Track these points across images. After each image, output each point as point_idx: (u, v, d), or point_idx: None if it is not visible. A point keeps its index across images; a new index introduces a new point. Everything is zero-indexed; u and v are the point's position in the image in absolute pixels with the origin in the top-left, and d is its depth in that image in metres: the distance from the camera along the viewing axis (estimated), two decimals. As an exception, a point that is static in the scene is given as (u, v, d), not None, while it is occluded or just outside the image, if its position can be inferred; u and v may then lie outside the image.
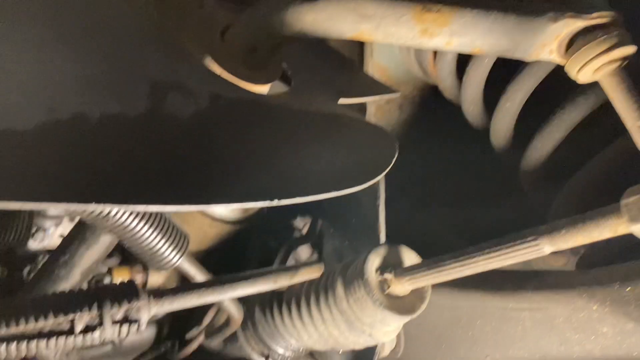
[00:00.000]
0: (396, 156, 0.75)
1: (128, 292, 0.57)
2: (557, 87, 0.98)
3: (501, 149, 1.06)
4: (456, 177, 1.36)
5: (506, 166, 1.13)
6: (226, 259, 1.34)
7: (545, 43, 0.73)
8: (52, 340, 0.53)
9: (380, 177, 0.71)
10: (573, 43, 0.74)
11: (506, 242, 0.72)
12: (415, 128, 1.37)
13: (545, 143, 0.96)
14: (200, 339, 1.28)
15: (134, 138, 0.59)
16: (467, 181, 1.34)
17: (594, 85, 0.82)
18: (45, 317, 0.53)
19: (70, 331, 0.54)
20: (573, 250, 1.17)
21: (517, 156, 1.04)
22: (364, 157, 0.73)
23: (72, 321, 0.54)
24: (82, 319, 0.54)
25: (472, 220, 1.22)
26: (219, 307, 1.22)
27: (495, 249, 0.73)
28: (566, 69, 0.76)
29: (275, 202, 0.63)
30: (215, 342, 1.22)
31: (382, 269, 0.89)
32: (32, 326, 0.52)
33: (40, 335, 0.53)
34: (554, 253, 1.31)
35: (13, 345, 0.52)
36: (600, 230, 0.65)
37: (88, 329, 0.55)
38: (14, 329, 0.52)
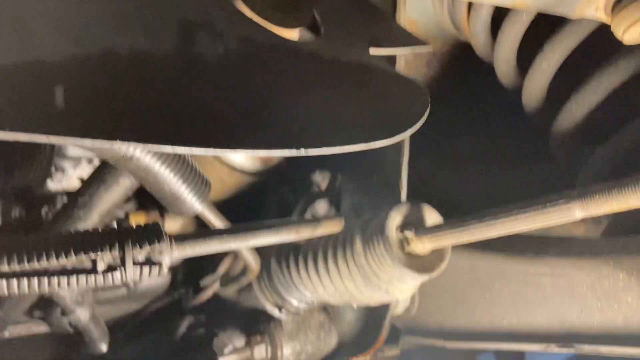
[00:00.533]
0: (428, 111, 0.72)
1: (151, 234, 0.56)
2: (596, 48, 0.94)
3: (532, 110, 1.03)
4: (482, 137, 1.32)
5: (536, 128, 1.10)
6: (243, 210, 1.33)
7: (592, -1, 0.69)
8: (74, 278, 0.53)
9: (412, 132, 0.69)
10: (621, 0, 0.70)
11: (535, 205, 0.70)
12: (443, 85, 1.33)
13: (580, 105, 0.92)
14: (215, 287, 1.29)
15: (162, 76, 0.57)
16: (494, 142, 1.30)
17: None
18: (68, 254, 0.52)
19: (92, 270, 0.53)
20: (595, 219, 1.15)
21: (549, 118, 1.01)
22: (395, 110, 0.71)
23: (94, 260, 0.53)
24: (104, 259, 0.54)
25: (496, 182, 1.20)
26: (235, 256, 1.23)
27: (523, 211, 0.71)
28: (612, 28, 0.72)
29: (303, 152, 0.61)
30: (230, 291, 1.23)
31: (403, 226, 0.88)
32: (55, 262, 0.51)
33: (63, 272, 0.53)
34: (576, 221, 1.29)
35: (35, 281, 0.52)
36: (637, 197, 0.63)
37: (110, 269, 0.54)
38: (37, 265, 0.51)
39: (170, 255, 0.57)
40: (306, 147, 0.61)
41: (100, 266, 0.54)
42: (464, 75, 1.32)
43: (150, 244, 0.56)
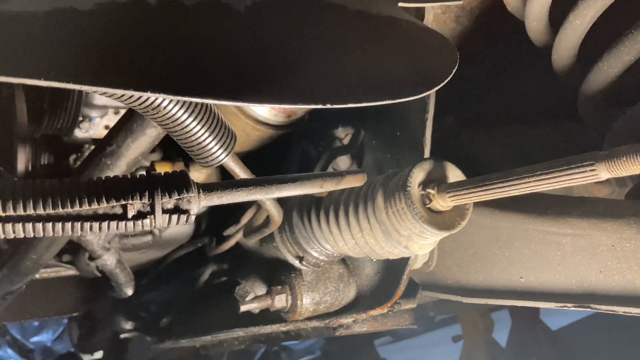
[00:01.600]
0: (456, 67, 0.72)
1: (180, 183, 0.57)
2: (632, 6, 0.91)
3: (562, 69, 1.00)
4: (509, 97, 1.30)
5: (564, 88, 1.07)
6: (265, 163, 1.34)
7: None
8: (105, 223, 0.55)
9: (438, 88, 0.68)
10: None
11: (560, 165, 0.70)
12: (471, 42, 1.30)
13: (612, 65, 0.90)
14: (238, 236, 1.32)
15: (190, 25, 0.57)
16: (521, 102, 1.28)
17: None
18: (100, 200, 0.54)
19: (123, 216, 0.55)
20: (619, 181, 1.14)
21: (579, 78, 0.99)
22: (422, 65, 0.70)
23: (125, 206, 0.55)
24: (134, 206, 0.55)
25: (521, 142, 1.19)
26: (257, 207, 1.25)
27: (548, 170, 0.71)
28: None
29: (328, 106, 0.61)
30: (252, 241, 1.26)
31: (425, 183, 0.89)
32: (87, 207, 0.53)
33: (95, 217, 0.54)
34: (599, 183, 1.28)
35: (69, 225, 0.54)
36: (665, 159, 0.62)
37: (139, 216, 0.56)
38: (70, 209, 0.53)
39: (198, 204, 0.59)
40: (331, 101, 0.61)
41: (131, 212, 0.56)
42: (493, 32, 1.29)
43: (179, 193, 0.58)
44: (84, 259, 1.45)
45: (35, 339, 3.28)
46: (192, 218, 0.59)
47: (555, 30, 1.02)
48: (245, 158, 1.35)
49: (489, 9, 1.30)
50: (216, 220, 1.51)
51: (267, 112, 1.24)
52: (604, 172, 0.67)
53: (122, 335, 1.87)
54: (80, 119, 1.26)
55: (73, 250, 1.50)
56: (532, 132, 1.21)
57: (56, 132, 1.26)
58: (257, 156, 1.35)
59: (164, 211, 0.57)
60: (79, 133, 1.28)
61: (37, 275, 1.69)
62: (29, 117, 1.30)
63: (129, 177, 0.58)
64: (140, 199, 0.56)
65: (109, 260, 1.38)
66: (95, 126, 1.28)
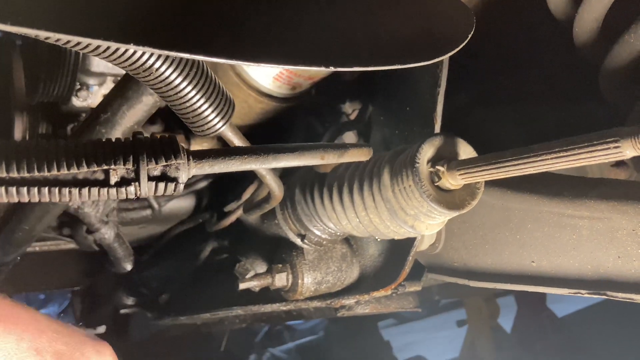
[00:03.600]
0: (472, 32, 0.66)
1: (168, 148, 0.53)
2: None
3: (584, 43, 0.94)
4: (525, 72, 1.25)
5: (584, 65, 1.02)
6: (268, 137, 1.30)
7: None
8: (85, 190, 0.51)
9: (452, 54, 0.63)
10: None
11: (581, 141, 0.65)
12: (487, 15, 1.24)
13: (638, 38, 0.84)
14: (239, 212, 1.28)
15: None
16: (537, 80, 1.23)
17: None
18: (80, 164, 0.50)
19: (105, 182, 0.51)
20: (637, 165, 1.09)
21: (602, 53, 0.93)
22: (435, 29, 0.65)
23: (107, 172, 0.51)
24: (117, 171, 0.51)
25: (536, 120, 1.13)
26: (259, 183, 1.20)
27: (567, 147, 0.66)
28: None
29: (331, 68, 0.56)
30: (253, 217, 1.22)
31: (434, 159, 0.84)
32: (65, 172, 0.49)
33: (74, 182, 0.50)
34: (616, 166, 1.22)
35: (45, 190, 0.49)
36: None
37: (123, 182, 0.51)
38: (47, 173, 0.49)
39: (188, 171, 0.55)
40: (335, 63, 0.56)
41: (114, 179, 0.51)
42: (511, 7, 1.23)
43: (166, 159, 0.53)
44: (82, 232, 1.42)
45: (41, 311, 3.30)
46: (181, 187, 0.54)
47: (577, 2, 0.96)
48: (248, 132, 1.32)
49: (507, -19, 1.24)
50: (217, 196, 1.47)
51: (271, 82, 1.19)
52: (629, 149, 0.61)
53: (123, 311, 1.85)
54: (78, 86, 1.21)
55: (72, 223, 1.47)
56: (549, 111, 1.16)
57: (53, 99, 1.22)
58: (260, 130, 1.31)
59: (150, 178, 0.52)
60: (77, 102, 1.24)
61: (37, 248, 1.67)
62: (26, 83, 1.26)
63: (113, 140, 0.53)
64: (124, 164, 0.51)
65: (107, 234, 1.35)
66: (93, 95, 1.24)
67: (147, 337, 2.28)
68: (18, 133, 1.30)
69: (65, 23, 0.42)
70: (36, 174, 0.48)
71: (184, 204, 1.50)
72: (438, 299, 2.37)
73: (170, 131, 1.38)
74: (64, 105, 1.26)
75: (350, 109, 1.31)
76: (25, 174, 0.48)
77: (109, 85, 1.25)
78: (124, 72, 1.19)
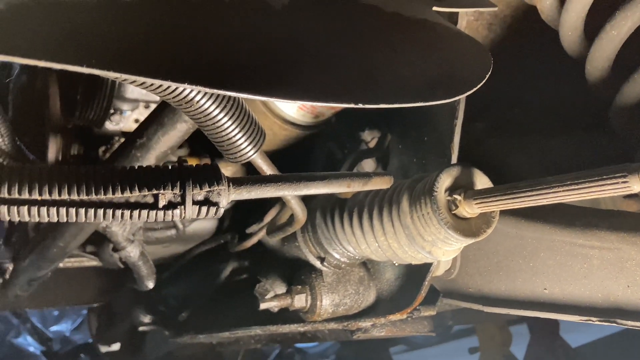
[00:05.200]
0: (490, 72, 0.71)
1: (210, 176, 0.58)
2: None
3: (596, 80, 0.99)
4: (539, 106, 1.29)
5: (596, 100, 1.06)
6: (291, 163, 1.35)
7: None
8: (136, 212, 0.56)
9: (471, 92, 0.68)
10: None
11: (591, 176, 0.69)
12: (503, 50, 1.29)
13: (648, 78, 0.89)
14: (261, 234, 1.32)
15: (227, 21, 0.58)
16: (552, 111, 1.27)
17: None
18: (133, 188, 0.55)
19: (154, 205, 0.56)
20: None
21: (613, 90, 0.98)
22: (455, 69, 0.70)
23: (157, 196, 0.56)
24: (165, 195, 0.56)
25: (549, 152, 1.17)
26: (281, 205, 1.25)
27: (578, 181, 0.70)
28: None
29: (360, 105, 0.61)
30: (274, 240, 1.26)
31: (452, 189, 0.88)
32: (119, 195, 0.54)
33: (127, 205, 0.55)
34: (628, 197, 1.26)
35: (101, 211, 0.55)
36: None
37: (170, 206, 0.57)
38: (103, 196, 0.54)
39: (228, 197, 0.60)
40: (363, 101, 0.61)
41: (162, 202, 0.56)
42: (525, 41, 1.28)
43: (209, 185, 0.58)
44: (108, 250, 1.47)
45: (54, 328, 3.34)
46: (222, 211, 0.60)
47: (590, 41, 1.01)
48: (272, 157, 1.37)
49: (522, 17, 1.29)
50: (239, 218, 1.52)
51: (295, 111, 1.25)
52: (636, 184, 0.65)
53: (141, 328, 1.89)
54: (112, 111, 1.28)
55: (97, 241, 1.52)
56: (561, 143, 1.20)
57: (88, 123, 1.28)
58: (283, 156, 1.36)
59: (194, 202, 0.57)
60: (110, 125, 1.30)
61: (61, 265, 1.73)
62: (62, 107, 1.33)
63: (161, 167, 0.59)
64: (172, 189, 0.56)
65: (132, 252, 1.40)
66: (125, 119, 1.30)
67: (161, 356, 2.32)
68: (52, 154, 1.36)
69: (131, 64, 0.48)
70: (93, 196, 0.54)
71: (207, 224, 1.55)
72: (452, 324, 2.39)
73: (195, 154, 1.43)
74: (97, 128, 1.33)
75: (370, 137, 1.36)
76: (84, 197, 0.53)
77: (140, 110, 1.32)
78: (156, 98, 1.25)
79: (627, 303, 0.83)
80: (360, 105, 0.61)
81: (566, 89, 1.26)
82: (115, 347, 2.35)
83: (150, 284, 1.54)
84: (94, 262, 1.66)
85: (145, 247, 1.48)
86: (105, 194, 0.54)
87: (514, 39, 1.32)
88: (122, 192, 0.54)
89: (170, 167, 0.59)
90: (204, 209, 0.58)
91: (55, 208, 0.53)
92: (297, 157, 1.38)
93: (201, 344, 2.18)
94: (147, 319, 1.88)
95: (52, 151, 1.37)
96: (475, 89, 0.68)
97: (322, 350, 3.65)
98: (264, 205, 1.34)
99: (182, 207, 0.57)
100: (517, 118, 1.31)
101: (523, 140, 1.26)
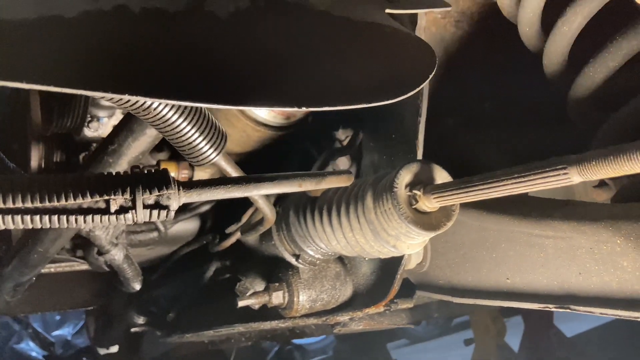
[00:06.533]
0: (433, 73, 0.74)
1: (160, 181, 0.61)
2: (617, 14, 0.92)
3: (553, 74, 1.02)
4: (507, 99, 1.32)
5: (557, 93, 1.09)
6: (266, 164, 1.38)
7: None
8: (89, 217, 0.59)
9: (413, 93, 0.71)
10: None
11: (535, 168, 0.72)
12: (471, 46, 1.32)
13: (598, 70, 0.91)
14: (238, 234, 1.35)
15: (173, 33, 0.61)
16: (518, 105, 1.30)
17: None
18: (85, 195, 0.58)
19: (106, 210, 0.59)
20: (618, 186, 1.15)
21: (568, 83, 1.00)
22: (401, 70, 0.73)
23: (108, 201, 0.59)
24: (117, 201, 0.59)
25: (518, 144, 1.20)
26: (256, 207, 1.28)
27: (523, 174, 0.73)
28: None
29: (303, 109, 0.64)
30: (252, 239, 1.30)
31: (412, 184, 0.91)
32: (72, 201, 0.57)
33: (80, 210, 0.58)
34: (599, 187, 1.28)
35: (55, 217, 0.58)
36: (632, 164, 0.64)
37: (122, 210, 0.60)
38: (57, 203, 0.57)
39: (178, 200, 0.63)
40: (307, 104, 0.64)
41: (114, 207, 0.60)
42: (492, 37, 1.31)
43: (159, 190, 0.61)
44: (93, 253, 1.50)
45: (56, 332, 3.38)
46: (172, 214, 0.63)
47: (547, 36, 1.04)
48: (247, 159, 1.40)
49: (489, 14, 1.32)
50: (220, 219, 1.55)
51: (266, 113, 1.28)
52: (575, 175, 0.68)
53: (133, 330, 1.92)
54: (89, 118, 1.31)
55: (84, 245, 1.56)
56: (529, 134, 1.23)
57: (66, 130, 1.31)
58: (258, 156, 1.39)
59: (145, 206, 0.60)
60: (89, 132, 1.33)
61: (53, 270, 1.76)
62: (42, 116, 1.36)
63: (113, 174, 0.62)
64: (123, 195, 0.59)
65: (116, 255, 1.43)
66: (103, 126, 1.33)
67: (158, 356, 2.35)
68: (34, 162, 1.39)
69: (89, 81, 0.51)
70: (47, 204, 0.57)
71: (189, 226, 1.58)
72: (437, 316, 2.41)
73: (175, 158, 1.46)
74: (76, 135, 1.36)
75: (344, 136, 1.39)
76: (38, 204, 0.56)
77: (118, 117, 1.35)
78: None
79: (579, 290, 0.86)
80: (304, 109, 0.64)
81: (535, 83, 1.29)
82: (114, 349, 2.38)
83: (137, 286, 1.57)
84: (84, 266, 1.70)
85: (129, 250, 1.51)
86: (58, 200, 0.57)
87: (482, 35, 1.35)
88: (75, 199, 0.58)
89: (121, 173, 0.62)
90: (155, 212, 0.61)
91: (10, 216, 0.56)
92: (273, 157, 1.41)
93: (195, 343, 2.22)
94: (140, 320, 1.91)
95: (35, 159, 1.40)
96: (418, 89, 0.71)
97: (321, 346, 3.69)
98: (244, 206, 1.37)
99: (134, 211, 0.60)
100: (487, 112, 1.34)
101: (493, 134, 1.29)
